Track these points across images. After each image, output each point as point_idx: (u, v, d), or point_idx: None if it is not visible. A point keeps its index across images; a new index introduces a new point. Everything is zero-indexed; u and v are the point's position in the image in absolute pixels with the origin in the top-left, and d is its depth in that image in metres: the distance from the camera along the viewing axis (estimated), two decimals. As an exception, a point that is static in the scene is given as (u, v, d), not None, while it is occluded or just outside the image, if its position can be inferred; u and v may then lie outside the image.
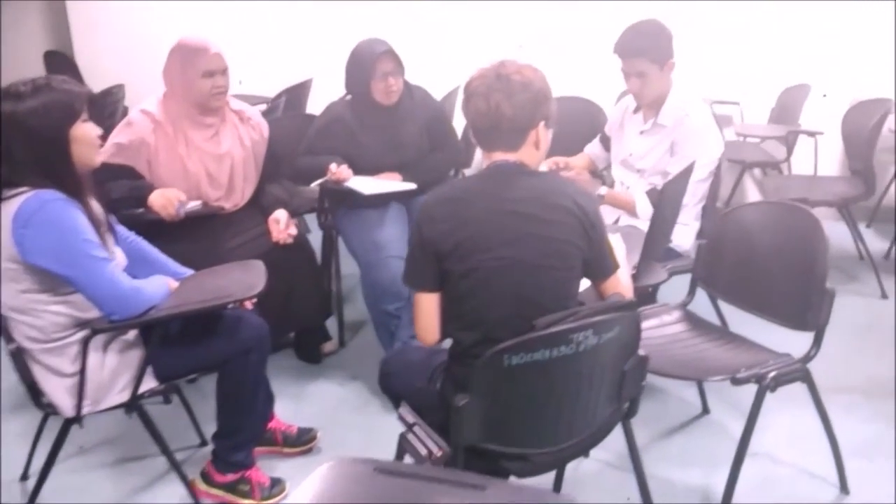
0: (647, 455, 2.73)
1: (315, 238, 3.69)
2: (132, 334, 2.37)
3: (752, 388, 2.35)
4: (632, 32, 3.09)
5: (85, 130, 2.25)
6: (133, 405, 2.37)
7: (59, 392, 2.30)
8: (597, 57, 3.57)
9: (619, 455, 2.32)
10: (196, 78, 3.00)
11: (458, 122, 3.13)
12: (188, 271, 2.62)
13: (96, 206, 2.34)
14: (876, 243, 4.83)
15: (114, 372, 2.33)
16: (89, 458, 2.89)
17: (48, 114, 2.16)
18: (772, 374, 2.33)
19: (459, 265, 1.98)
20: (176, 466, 2.52)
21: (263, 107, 4.95)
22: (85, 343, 2.25)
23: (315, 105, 4.25)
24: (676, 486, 2.66)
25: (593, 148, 3.62)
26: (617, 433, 2.17)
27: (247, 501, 2.59)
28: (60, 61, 6.57)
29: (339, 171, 3.30)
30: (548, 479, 2.41)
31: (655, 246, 2.73)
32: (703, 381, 2.95)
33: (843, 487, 2.61)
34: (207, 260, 2.73)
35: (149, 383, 2.38)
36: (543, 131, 2.05)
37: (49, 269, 2.16)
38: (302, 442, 2.89)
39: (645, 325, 2.66)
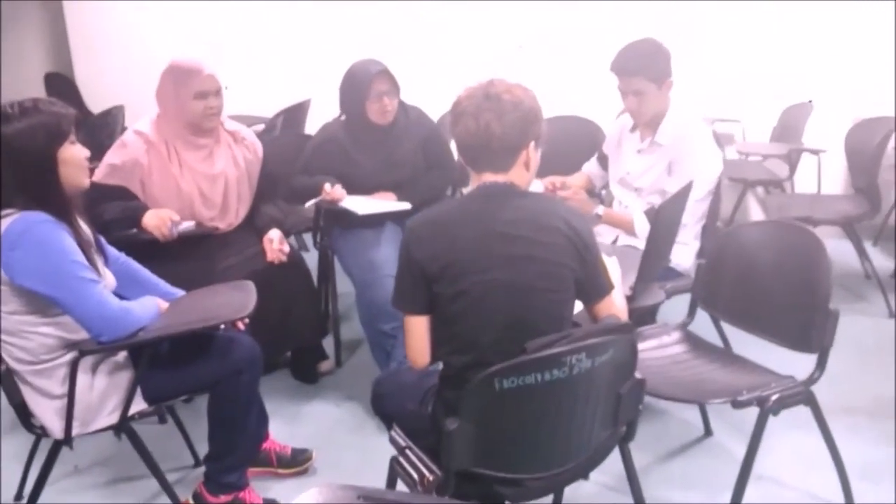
0: (648, 478, 2.69)
1: (311, 257, 3.66)
2: (122, 356, 2.35)
3: (755, 410, 2.30)
4: (629, 51, 3.06)
5: (73, 152, 2.23)
6: (122, 427, 2.34)
7: (48, 414, 2.29)
8: (596, 67, 3.55)
9: (619, 478, 2.28)
10: (189, 99, 2.99)
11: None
12: (179, 292, 2.60)
13: (85, 227, 2.33)
14: (882, 262, 4.79)
15: (103, 394, 2.31)
16: (82, 478, 2.87)
17: (34, 135, 2.15)
18: (774, 398, 2.29)
19: (449, 288, 1.94)
20: (166, 488, 2.49)
21: (261, 126, 4.95)
22: (73, 365, 2.22)
23: (313, 125, 4.26)
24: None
25: (591, 167, 3.60)
26: (617, 454, 2.13)
27: (240, 524, 2.55)
28: (61, 83, 6.61)
29: (332, 191, 3.28)
30: (546, 501, 2.36)
31: (652, 266, 2.69)
32: (704, 403, 2.90)
33: (849, 511, 2.55)
34: (202, 280, 2.72)
35: (139, 405, 2.35)
36: (534, 151, 2.02)
37: (37, 291, 2.15)
38: (297, 463, 2.86)
39: (644, 345, 2.64)
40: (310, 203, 3.37)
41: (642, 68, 3.02)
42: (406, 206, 3.32)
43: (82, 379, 2.26)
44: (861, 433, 2.95)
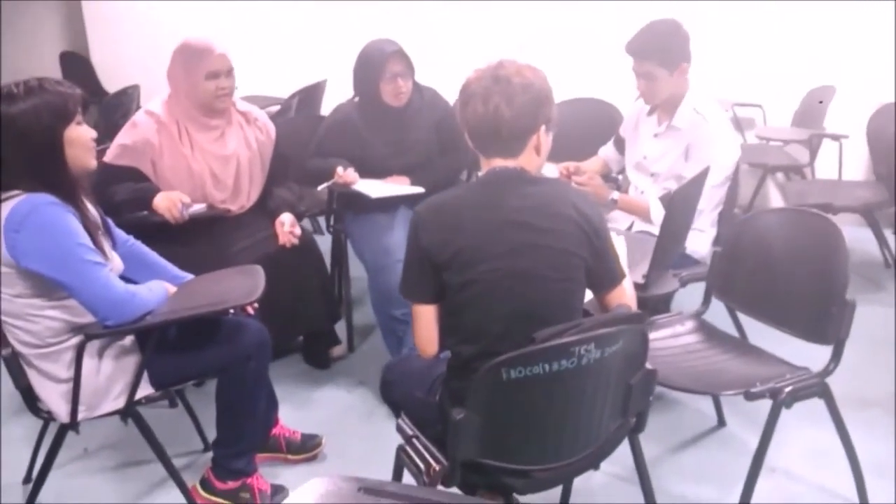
0: (660, 469, 2.67)
1: (325, 241, 3.64)
2: (128, 340, 2.33)
3: (769, 402, 2.26)
4: (645, 32, 3.00)
5: (79, 133, 2.20)
6: (129, 412, 2.33)
7: (54, 397, 2.28)
8: (608, 55, 3.49)
9: (631, 469, 2.25)
10: (200, 79, 2.96)
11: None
12: (187, 276, 2.58)
13: (92, 209, 2.30)
14: (903, 250, 4.69)
15: (109, 378, 2.29)
16: (90, 462, 2.87)
17: (40, 116, 2.12)
18: (788, 390, 2.24)
19: (457, 276, 1.91)
20: (173, 474, 2.48)
21: (276, 107, 4.92)
22: (80, 348, 2.21)
23: (329, 106, 4.22)
24: (689, 502, 2.58)
25: (607, 150, 3.53)
26: (629, 445, 2.10)
27: (248, 509, 2.54)
28: (76, 62, 6.60)
29: (345, 174, 3.25)
30: (556, 491, 2.34)
31: (666, 253, 2.64)
32: (716, 394, 2.86)
33: (863, 506, 2.51)
34: (213, 263, 2.70)
35: (145, 390, 2.34)
36: (544, 135, 1.97)
37: (42, 274, 2.13)
38: (306, 449, 2.85)
39: (657, 335, 2.60)
40: (322, 186, 3.34)
41: (654, 53, 2.97)
42: (420, 189, 3.28)
43: (88, 363, 2.24)
44: (876, 428, 2.90)
